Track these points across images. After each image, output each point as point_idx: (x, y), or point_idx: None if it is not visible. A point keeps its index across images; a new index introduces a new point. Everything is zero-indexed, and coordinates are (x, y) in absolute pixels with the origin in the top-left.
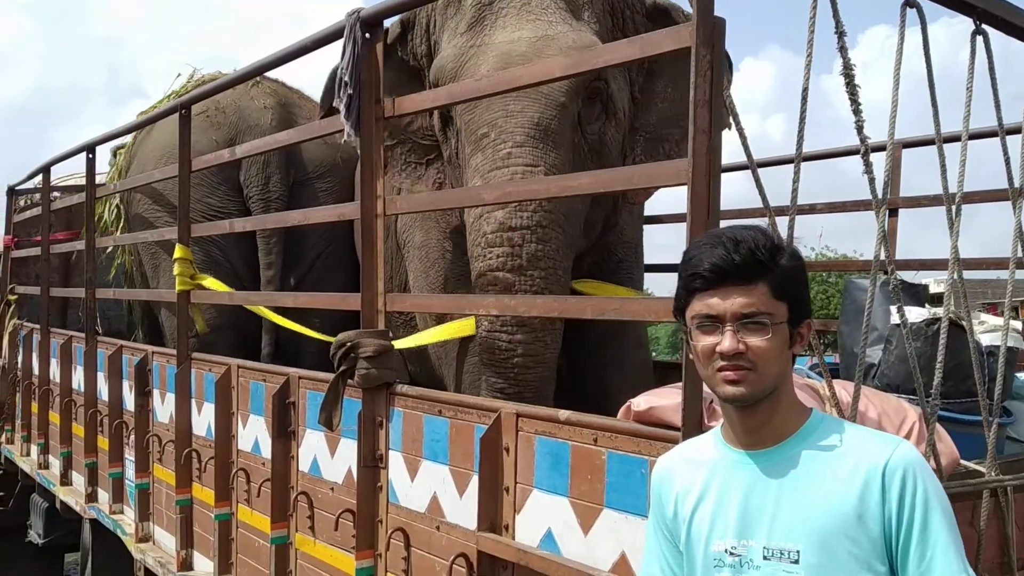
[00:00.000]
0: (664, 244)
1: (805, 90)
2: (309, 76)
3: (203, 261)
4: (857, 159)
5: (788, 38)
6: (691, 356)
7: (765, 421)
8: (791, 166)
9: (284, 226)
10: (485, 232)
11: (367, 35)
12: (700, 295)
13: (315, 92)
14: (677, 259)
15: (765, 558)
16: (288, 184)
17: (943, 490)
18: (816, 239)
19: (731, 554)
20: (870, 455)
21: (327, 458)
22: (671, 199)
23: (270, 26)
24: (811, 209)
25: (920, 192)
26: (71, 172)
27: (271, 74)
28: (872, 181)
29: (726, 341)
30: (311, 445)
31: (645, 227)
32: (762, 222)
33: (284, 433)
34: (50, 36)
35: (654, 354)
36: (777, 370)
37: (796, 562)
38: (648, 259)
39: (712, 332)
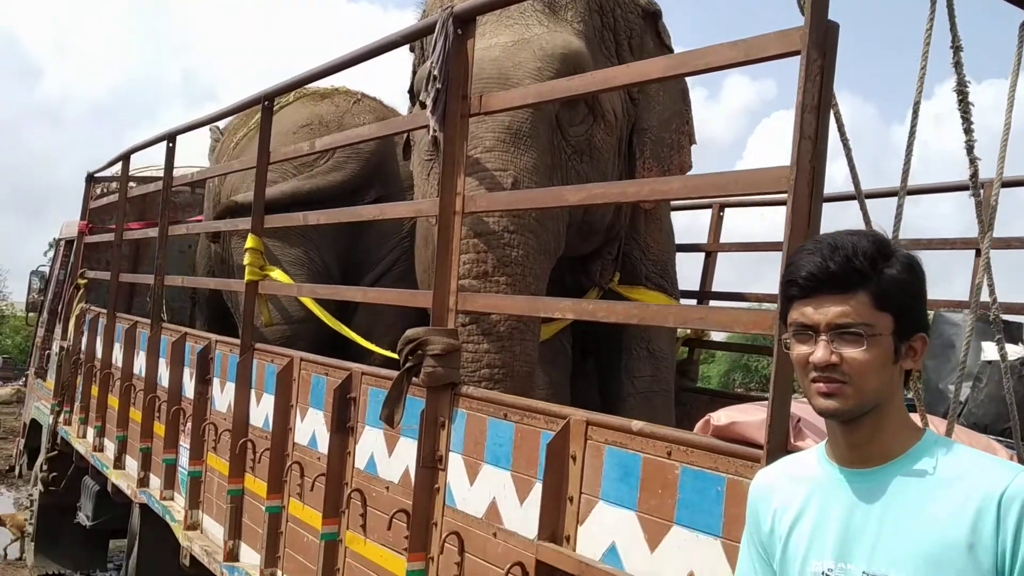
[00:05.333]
0: (721, 282)
1: (913, 124)
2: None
3: (297, 259)
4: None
5: (856, 83)
6: (778, 373)
7: (870, 438)
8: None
9: (359, 220)
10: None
11: (459, 31)
12: (797, 303)
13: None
14: (730, 288)
15: None
16: (356, 190)
17: None
18: None
19: None
20: (986, 482)
21: (384, 456)
22: (730, 232)
23: (348, 38)
24: (896, 242)
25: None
26: (148, 164)
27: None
28: (979, 204)
29: (818, 351)
30: (369, 442)
31: (718, 255)
32: None
33: (342, 428)
34: (129, 39)
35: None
36: (877, 385)
37: None
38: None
39: (807, 341)
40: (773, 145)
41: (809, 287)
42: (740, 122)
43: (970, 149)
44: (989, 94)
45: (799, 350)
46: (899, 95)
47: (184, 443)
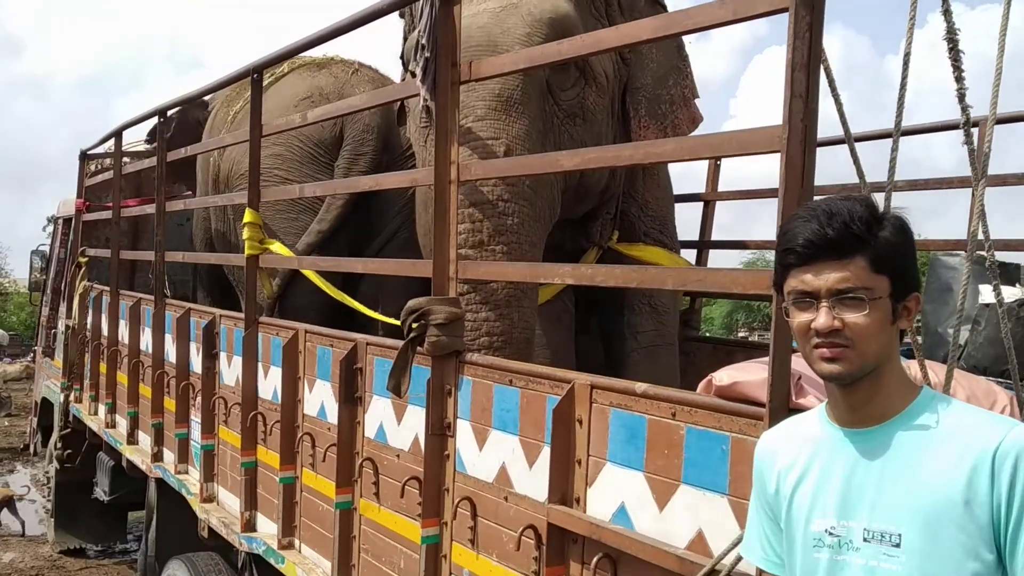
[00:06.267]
0: (719, 224)
1: (907, 55)
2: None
3: (303, 231)
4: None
5: (852, 17)
6: (777, 332)
7: (869, 399)
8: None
9: (355, 191)
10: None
11: None
12: (795, 271)
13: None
14: (729, 237)
15: (865, 540)
16: (379, 165)
17: None
18: None
19: (831, 534)
20: (981, 438)
21: (394, 425)
22: (728, 176)
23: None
24: (893, 187)
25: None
26: (140, 138)
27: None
28: (972, 152)
29: (821, 318)
30: (378, 412)
31: (716, 203)
32: None
33: (351, 399)
34: (110, 6)
35: (708, 334)
36: (877, 347)
37: (897, 546)
38: (713, 235)
39: (808, 309)
40: (767, 82)
41: (807, 254)
42: (733, 60)
43: (961, 97)
44: (983, 20)
45: (800, 318)
46: (892, 26)
47: (195, 417)
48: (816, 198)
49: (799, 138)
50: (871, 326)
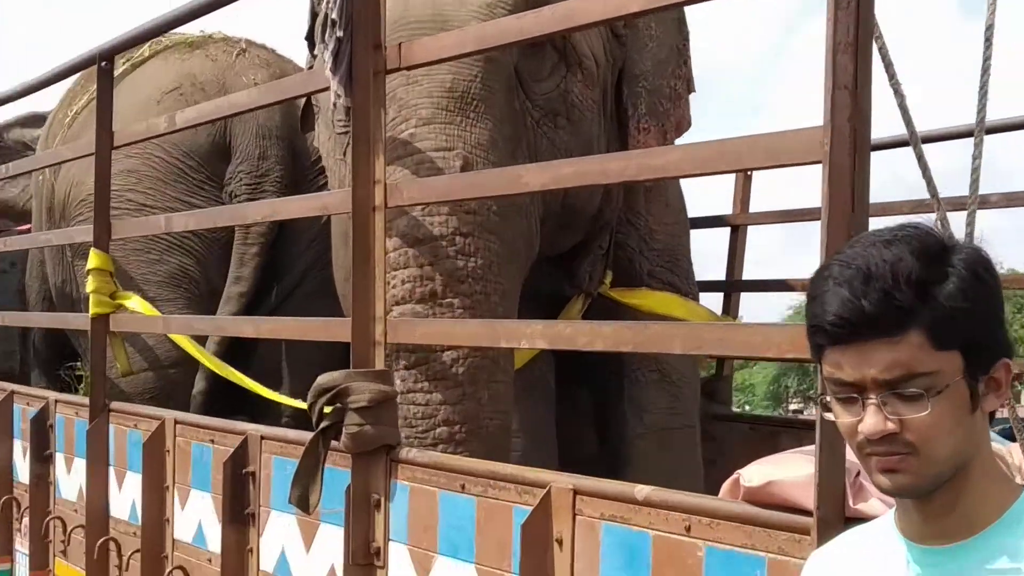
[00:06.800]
0: (753, 256)
1: (990, 27)
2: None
3: (173, 277)
4: None
5: None
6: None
7: (949, 508)
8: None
9: (248, 223)
10: (388, 250)
11: None
12: (828, 352)
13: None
14: (770, 274)
15: None
16: (290, 183)
17: None
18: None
19: None
20: None
21: (300, 553)
22: (760, 196)
23: None
24: (984, 202)
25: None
26: None
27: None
28: None
29: (868, 420)
30: (277, 534)
31: (747, 228)
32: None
33: (239, 517)
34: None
35: (748, 407)
36: (952, 449)
37: None
38: (747, 273)
39: (852, 404)
40: (810, 62)
41: (840, 334)
42: (769, 33)
43: None
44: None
45: (844, 417)
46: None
47: (21, 547)
48: (873, 221)
49: (846, 144)
50: (940, 424)
